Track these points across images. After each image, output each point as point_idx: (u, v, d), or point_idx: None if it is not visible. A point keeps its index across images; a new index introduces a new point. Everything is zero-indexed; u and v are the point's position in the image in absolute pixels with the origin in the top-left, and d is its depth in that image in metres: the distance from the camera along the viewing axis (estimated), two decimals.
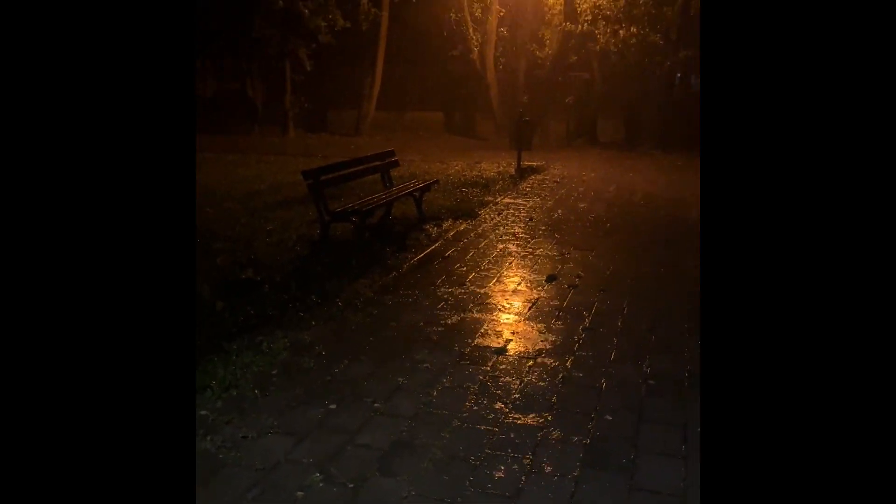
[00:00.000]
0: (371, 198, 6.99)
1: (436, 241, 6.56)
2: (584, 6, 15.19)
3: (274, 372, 3.57)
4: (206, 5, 17.33)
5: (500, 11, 15.93)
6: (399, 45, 18.40)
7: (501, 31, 16.17)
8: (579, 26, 15.35)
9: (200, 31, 17.90)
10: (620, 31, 14.88)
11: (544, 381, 3.50)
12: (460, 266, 5.69)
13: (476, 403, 3.25)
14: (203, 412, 3.09)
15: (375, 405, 3.21)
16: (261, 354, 3.77)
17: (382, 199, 6.91)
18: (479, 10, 16.04)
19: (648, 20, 15.00)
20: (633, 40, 14.85)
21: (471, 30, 16.27)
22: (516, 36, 15.84)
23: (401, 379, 3.50)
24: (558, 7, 15.20)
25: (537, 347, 3.95)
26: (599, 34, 15.05)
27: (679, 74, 17.50)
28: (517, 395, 3.33)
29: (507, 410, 3.17)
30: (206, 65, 22.43)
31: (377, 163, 7.70)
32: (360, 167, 7.45)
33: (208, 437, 2.87)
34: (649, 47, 15.16)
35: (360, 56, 18.25)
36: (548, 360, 3.76)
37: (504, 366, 3.69)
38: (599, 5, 14.98)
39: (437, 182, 8.43)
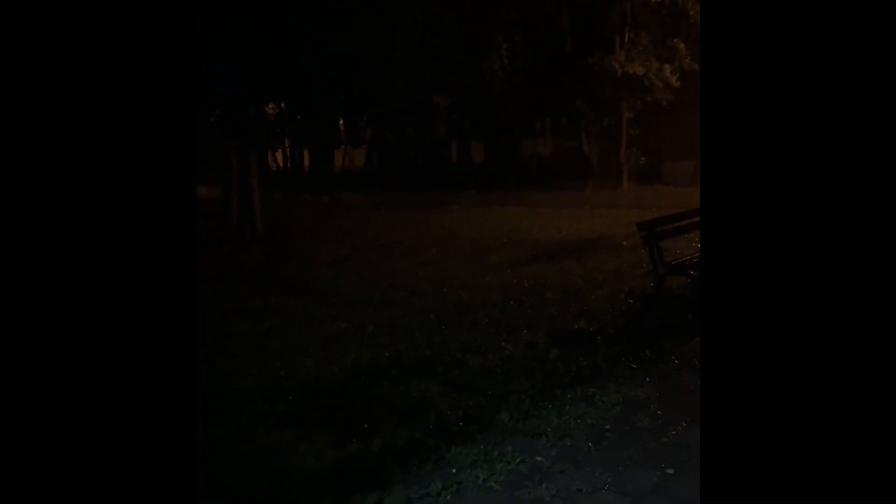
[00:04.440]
0: None
1: None
2: None
3: (607, 426, 3.49)
4: (546, 71, 18.61)
5: None
6: None
7: None
8: None
9: (540, 97, 19.24)
10: None
11: None
12: None
13: None
14: (538, 458, 3.15)
15: None
16: (593, 407, 3.73)
17: None
18: None
19: None
20: None
21: None
22: None
23: None
24: None
25: None
26: None
27: None
28: None
29: None
30: (545, 126, 23.93)
31: None
32: (699, 218, 7.06)
33: (543, 485, 2.91)
34: None
35: (697, 103, 17.63)
36: None
37: None
38: None
39: None
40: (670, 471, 2.99)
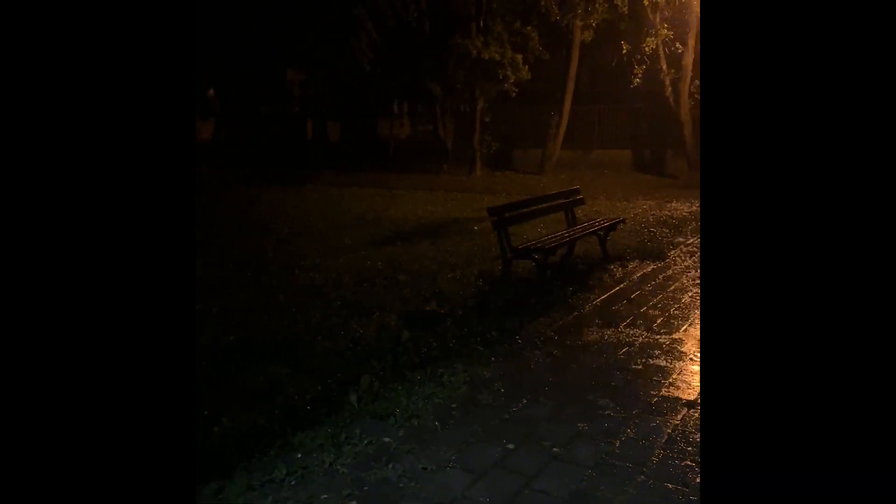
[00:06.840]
0: (554, 236, 6.91)
1: (621, 282, 6.31)
2: None
3: (454, 406, 3.59)
4: (403, 54, 18.59)
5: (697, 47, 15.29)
6: (587, 82, 18.33)
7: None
8: None
9: (398, 80, 19.17)
10: None
11: None
12: (647, 309, 5.40)
13: (663, 459, 3.01)
14: (386, 439, 3.18)
15: (554, 450, 3.10)
16: (441, 387, 3.82)
17: (565, 238, 6.80)
18: (678, 46, 15.49)
19: None
20: None
21: (664, 65, 15.75)
22: None
23: (581, 425, 3.36)
24: None
25: None
26: None
27: None
28: None
29: (699, 470, 2.90)
30: (402, 109, 23.94)
31: (561, 200, 7.63)
32: (544, 205, 7.43)
33: (390, 465, 2.94)
34: None
35: (547, 95, 18.41)
36: None
37: (695, 420, 3.39)
38: None
39: (623, 221, 8.16)
40: (511, 446, 3.14)
